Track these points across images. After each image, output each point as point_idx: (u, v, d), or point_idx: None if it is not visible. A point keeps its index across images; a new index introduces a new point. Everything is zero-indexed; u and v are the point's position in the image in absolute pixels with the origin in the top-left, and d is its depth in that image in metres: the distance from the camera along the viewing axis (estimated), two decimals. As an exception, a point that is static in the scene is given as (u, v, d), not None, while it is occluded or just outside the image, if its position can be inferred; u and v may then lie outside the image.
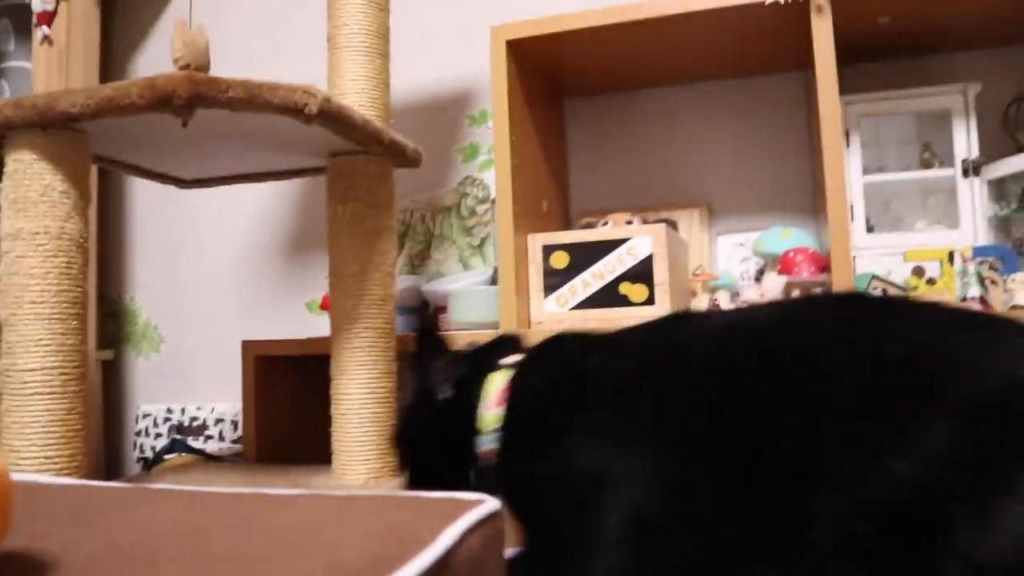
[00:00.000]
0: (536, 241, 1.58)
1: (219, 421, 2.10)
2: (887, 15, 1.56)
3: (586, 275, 1.55)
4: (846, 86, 1.49)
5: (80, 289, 1.19)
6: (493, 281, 1.77)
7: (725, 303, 1.61)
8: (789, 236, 1.61)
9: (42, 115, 1.13)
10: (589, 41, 1.61)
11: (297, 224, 2.19)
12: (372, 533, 0.54)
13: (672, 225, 1.72)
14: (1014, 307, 1.43)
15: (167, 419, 2.15)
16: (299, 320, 2.13)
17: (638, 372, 0.81)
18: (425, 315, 1.83)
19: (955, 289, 1.52)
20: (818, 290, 1.51)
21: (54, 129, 1.17)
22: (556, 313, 1.56)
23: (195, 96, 1.07)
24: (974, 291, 1.50)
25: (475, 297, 1.61)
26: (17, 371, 1.14)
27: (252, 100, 1.10)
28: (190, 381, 2.21)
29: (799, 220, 1.81)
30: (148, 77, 1.08)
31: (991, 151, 1.64)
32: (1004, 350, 0.64)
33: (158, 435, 2.14)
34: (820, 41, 1.44)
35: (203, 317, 2.25)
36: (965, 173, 1.61)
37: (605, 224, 1.73)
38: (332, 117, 1.20)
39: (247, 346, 1.71)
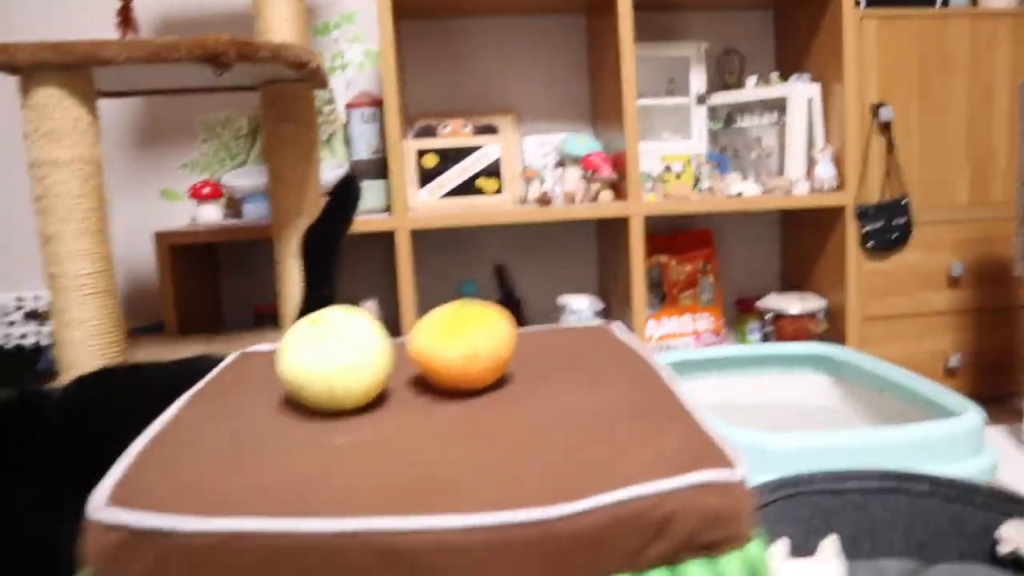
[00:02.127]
0: (411, 145, 2.00)
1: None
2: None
3: (451, 172, 2.02)
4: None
5: (104, 204, 1.43)
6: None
7: (540, 187, 2.18)
8: (583, 143, 2.19)
9: (81, 60, 1.33)
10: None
11: (141, 119, 2.32)
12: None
13: (494, 129, 2.22)
14: (731, 196, 2.16)
15: (18, 307, 2.25)
16: (155, 206, 2.31)
17: None
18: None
19: (692, 181, 2.22)
20: (604, 186, 2.12)
21: (74, 69, 1.37)
22: (428, 200, 2.02)
23: (240, 55, 1.36)
24: (706, 183, 2.22)
25: (366, 189, 2.00)
26: (70, 277, 1.38)
27: (276, 57, 1.41)
28: (37, 268, 2.31)
29: (580, 127, 2.41)
30: (197, 37, 1.34)
31: (712, 87, 2.37)
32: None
33: (11, 323, 2.24)
34: (623, 6, 2.00)
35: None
36: (697, 101, 2.29)
37: (445, 128, 2.19)
38: (314, 71, 1.53)
39: (161, 236, 1.95)
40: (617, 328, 1.13)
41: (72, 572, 1.13)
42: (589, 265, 2.47)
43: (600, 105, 2.32)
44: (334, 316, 0.81)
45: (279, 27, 1.73)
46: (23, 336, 2.22)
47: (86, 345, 1.40)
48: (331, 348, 0.78)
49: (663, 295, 2.36)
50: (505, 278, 2.35)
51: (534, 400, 0.83)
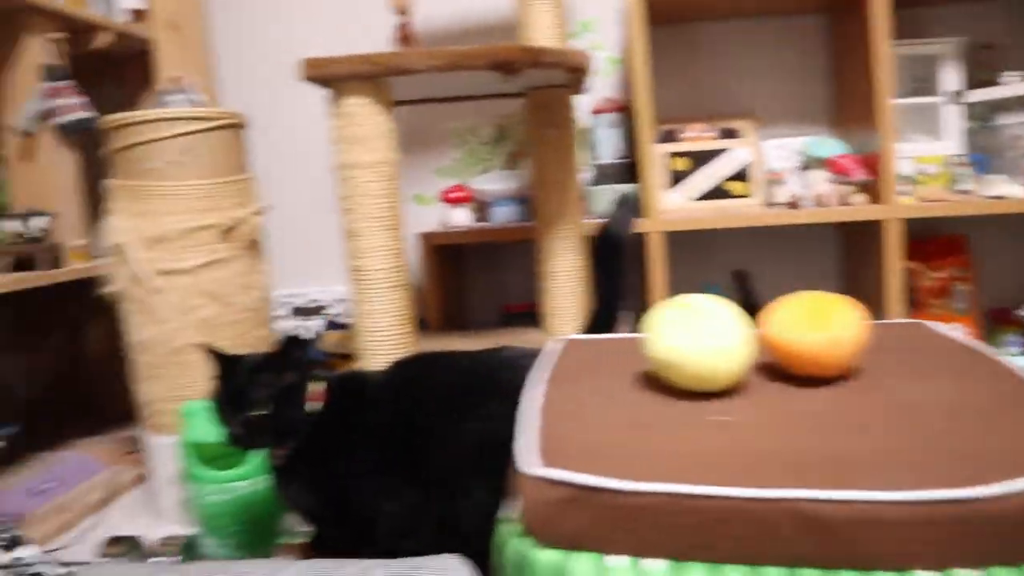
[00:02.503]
0: (662, 148, 2.04)
1: (340, 301, 2.45)
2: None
3: (700, 175, 2.04)
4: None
5: (399, 204, 1.55)
6: (596, 179, 2.21)
7: (786, 191, 2.14)
8: (829, 145, 2.14)
9: (389, 70, 1.45)
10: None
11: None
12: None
13: (736, 133, 2.21)
14: (992, 198, 2.04)
15: (285, 303, 2.47)
16: (406, 211, 2.45)
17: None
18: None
19: (948, 183, 2.12)
20: (860, 191, 2.06)
21: (377, 79, 1.48)
22: (678, 203, 2.05)
23: (529, 62, 1.43)
24: (964, 185, 2.11)
25: (610, 193, 2.05)
26: (371, 271, 1.50)
27: (558, 63, 1.48)
28: (302, 267, 2.51)
29: (820, 129, 2.36)
30: (490, 46, 1.43)
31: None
32: (508, 370, 1.20)
33: (280, 317, 2.46)
34: (878, 5, 1.94)
35: (309, 207, 2.52)
36: (952, 99, 2.18)
37: (688, 132, 2.20)
38: (584, 76, 1.59)
39: (426, 237, 2.09)
40: (931, 324, 1.10)
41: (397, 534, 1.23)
42: (829, 271, 2.40)
43: (845, 106, 2.25)
44: (699, 301, 0.85)
45: (542, 36, 1.80)
46: (293, 330, 2.43)
47: (383, 334, 1.52)
48: (702, 331, 0.82)
49: (911, 302, 2.26)
50: (745, 283, 2.32)
51: (890, 389, 0.83)
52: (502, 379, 1.22)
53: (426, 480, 1.22)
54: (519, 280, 2.44)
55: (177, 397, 1.65)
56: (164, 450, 1.70)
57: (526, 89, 1.81)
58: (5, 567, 1.17)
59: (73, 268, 1.92)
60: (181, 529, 1.67)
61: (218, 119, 1.66)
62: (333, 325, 2.25)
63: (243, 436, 1.18)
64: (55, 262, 1.87)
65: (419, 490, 1.22)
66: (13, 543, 1.32)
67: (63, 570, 1.10)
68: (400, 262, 1.52)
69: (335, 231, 2.50)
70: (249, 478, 1.47)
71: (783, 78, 2.37)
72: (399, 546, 1.23)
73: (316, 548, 1.37)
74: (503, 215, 2.24)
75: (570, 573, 0.64)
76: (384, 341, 1.51)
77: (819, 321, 0.84)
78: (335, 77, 1.46)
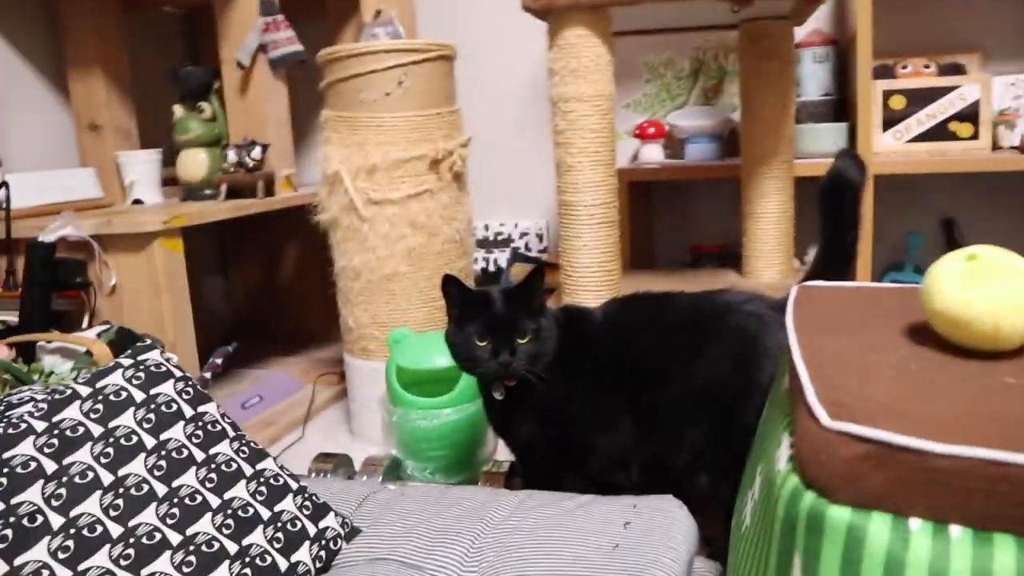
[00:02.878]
0: (878, 86, 1.90)
1: (524, 234, 2.47)
2: None
3: (920, 115, 1.89)
4: None
5: (614, 141, 1.52)
6: (799, 118, 2.09)
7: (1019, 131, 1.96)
8: (1073, 79, 1.94)
9: (612, 0, 1.40)
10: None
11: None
12: None
13: (961, 69, 2.03)
14: None
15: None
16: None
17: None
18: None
19: None
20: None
21: (600, 9, 1.44)
22: (892, 145, 1.92)
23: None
24: None
25: (820, 132, 1.95)
26: (583, 206, 1.49)
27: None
28: (486, 199, 2.55)
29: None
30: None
31: None
32: (746, 309, 1.19)
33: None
34: None
35: (493, 140, 2.53)
36: None
37: (905, 68, 2.04)
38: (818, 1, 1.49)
39: (623, 173, 2.06)
40: None
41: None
42: (1055, 223, 2.20)
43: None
44: (990, 252, 0.78)
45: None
46: (475, 261, 2.47)
47: (592, 270, 1.51)
48: (996, 285, 0.75)
49: None
50: (954, 233, 2.17)
51: None
52: (726, 324, 1.19)
53: (643, 419, 1.22)
54: (709, 220, 2.37)
55: (383, 323, 1.71)
56: (367, 374, 1.77)
57: (743, 21, 1.72)
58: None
59: (283, 196, 2.01)
60: (380, 450, 1.75)
61: (430, 51, 1.67)
62: (520, 258, 2.27)
63: (509, 365, 1.19)
64: (269, 190, 1.96)
65: (635, 428, 1.22)
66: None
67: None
68: (611, 199, 1.50)
69: (521, 164, 2.51)
70: (454, 405, 1.51)
71: (1016, 6, 2.15)
72: (608, 480, 1.24)
73: (521, 478, 1.41)
74: (697, 152, 2.17)
75: (866, 532, 0.61)
76: (592, 277, 1.51)
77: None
78: (556, 7, 1.43)
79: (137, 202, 2.01)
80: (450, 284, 1.26)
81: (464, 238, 1.77)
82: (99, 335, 1.51)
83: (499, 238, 2.50)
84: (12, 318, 1.61)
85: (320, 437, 1.87)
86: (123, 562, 0.89)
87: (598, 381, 1.23)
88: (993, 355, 0.77)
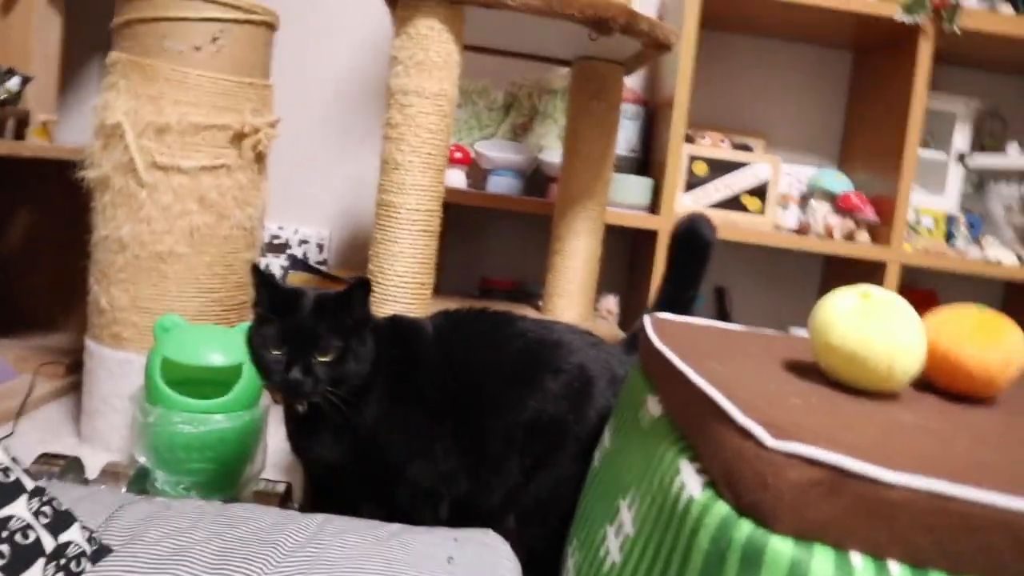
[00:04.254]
0: (685, 150, 1.97)
1: (303, 242, 2.26)
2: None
3: (718, 183, 1.98)
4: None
5: (448, 148, 1.42)
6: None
7: (794, 215, 2.13)
8: (839, 179, 2.13)
9: (476, -1, 1.32)
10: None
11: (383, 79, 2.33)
12: None
13: (750, 148, 2.18)
14: (990, 262, 2.08)
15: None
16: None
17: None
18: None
19: (944, 238, 2.15)
20: (863, 230, 2.06)
21: (456, 7, 1.35)
22: (692, 206, 1.98)
23: (625, 24, 1.33)
24: (959, 243, 2.15)
25: (628, 183, 1.97)
26: (406, 209, 1.37)
27: (648, 32, 1.39)
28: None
29: (826, 161, 2.35)
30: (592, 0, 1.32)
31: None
32: (576, 343, 1.15)
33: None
34: (922, 60, 1.94)
35: (293, 147, 2.32)
36: (958, 159, 2.22)
37: (704, 139, 2.15)
38: (666, 48, 1.50)
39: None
40: None
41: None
42: (811, 300, 2.39)
43: (856, 144, 2.26)
44: (881, 292, 0.77)
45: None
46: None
47: (405, 280, 1.39)
48: (893, 325, 0.74)
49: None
50: (724, 300, 2.29)
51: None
52: (560, 356, 1.12)
53: (466, 449, 1.10)
54: (503, 255, 2.33)
55: (145, 308, 1.46)
56: (114, 365, 1.50)
57: (578, 58, 1.71)
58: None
59: (36, 144, 1.68)
60: (117, 457, 1.48)
61: (254, 13, 1.48)
62: (301, 265, 2.07)
63: (303, 383, 1.02)
64: (19, 132, 1.63)
65: (454, 458, 1.11)
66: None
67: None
68: (436, 207, 1.39)
69: (312, 165, 2.33)
70: (227, 411, 1.30)
71: (799, 105, 2.36)
72: (413, 514, 1.11)
73: (311, 502, 1.23)
74: (501, 185, 2.12)
75: (809, 568, 0.54)
76: (404, 288, 1.38)
77: (995, 339, 0.79)
78: (412, -9, 1.32)
79: None
80: (258, 274, 1.06)
81: (255, 228, 1.57)
82: None
83: (275, 242, 2.28)
84: None
85: (38, 436, 1.55)
86: None
87: (421, 403, 1.09)
88: (879, 395, 0.75)
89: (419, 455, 1.10)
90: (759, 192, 2.00)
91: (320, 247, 2.29)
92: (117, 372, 1.50)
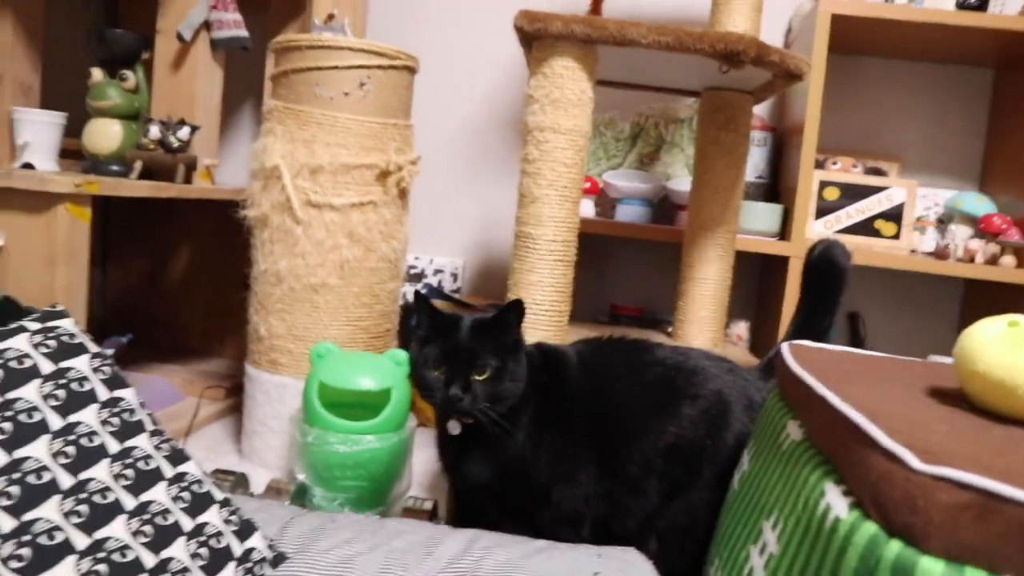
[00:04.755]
0: (816, 176, 1.97)
1: (438, 271, 2.38)
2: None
3: (851, 209, 1.97)
4: None
5: (581, 181, 1.47)
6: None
7: (934, 239, 2.07)
8: (981, 202, 2.07)
9: (608, 37, 1.37)
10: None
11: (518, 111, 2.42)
12: None
13: (883, 172, 2.15)
14: None
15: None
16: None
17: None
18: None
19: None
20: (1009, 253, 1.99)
21: (590, 45, 1.41)
22: (823, 232, 1.97)
23: (756, 56, 1.36)
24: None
25: (757, 210, 1.98)
26: (543, 240, 1.43)
27: (780, 64, 1.41)
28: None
29: (965, 184, 2.28)
30: (721, 32, 1.36)
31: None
32: (712, 370, 1.18)
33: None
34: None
35: (429, 181, 2.44)
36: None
37: (835, 164, 2.13)
38: (798, 78, 1.51)
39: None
40: None
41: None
42: (950, 326, 2.32)
43: (999, 165, 2.18)
44: (1027, 320, 0.77)
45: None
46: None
47: (544, 308, 1.45)
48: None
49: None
50: (859, 327, 2.25)
51: None
52: (706, 384, 1.15)
53: (608, 474, 1.15)
54: (632, 283, 2.37)
55: (300, 336, 1.58)
56: (271, 389, 1.62)
57: (706, 88, 1.74)
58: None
59: (201, 187, 1.84)
60: (275, 474, 1.59)
61: (397, 59, 1.59)
62: (436, 294, 2.17)
63: (461, 400, 1.09)
64: (187, 177, 1.79)
65: (597, 483, 1.15)
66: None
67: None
68: (572, 238, 1.45)
69: (446, 198, 2.44)
70: (377, 433, 1.39)
71: (936, 127, 2.30)
72: (558, 532, 1.16)
73: (458, 520, 1.30)
74: (629, 214, 2.17)
75: (959, 590, 0.56)
76: (542, 316, 1.44)
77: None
78: (548, 34, 1.39)
79: (27, 167, 1.79)
80: (419, 301, 1.17)
81: (398, 259, 1.67)
82: (-23, 301, 1.30)
83: (412, 271, 2.40)
84: None
85: (203, 454, 1.69)
86: (13, 564, 0.73)
87: (566, 428, 1.15)
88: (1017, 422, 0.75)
89: (563, 479, 1.14)
90: (894, 216, 1.96)
91: (454, 276, 2.39)
92: (274, 395, 1.61)
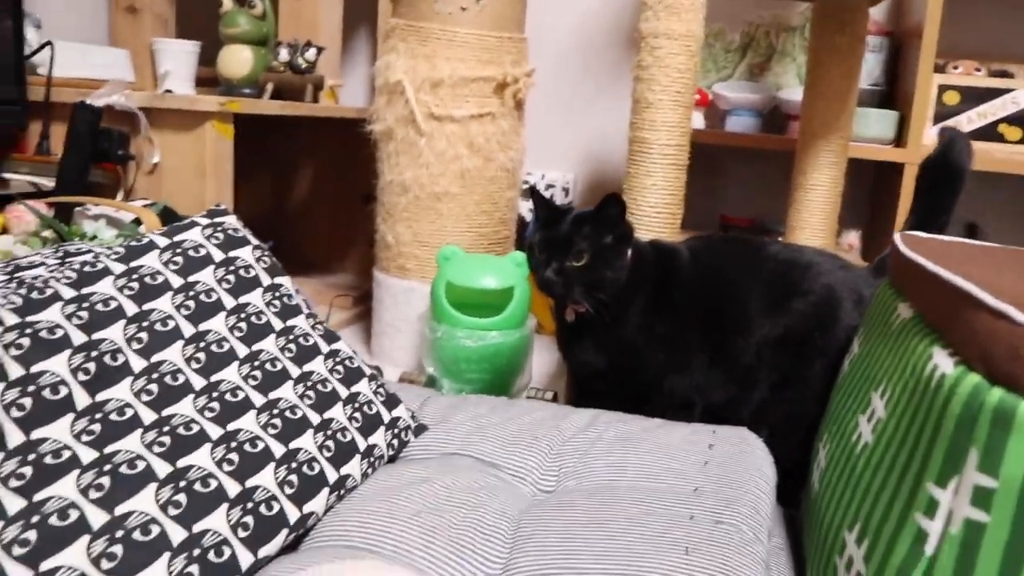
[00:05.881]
0: (934, 80, 1.93)
1: (550, 186, 2.45)
2: None
3: (971, 113, 1.92)
4: None
5: (694, 87, 1.50)
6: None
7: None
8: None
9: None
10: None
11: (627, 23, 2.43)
12: None
13: (1010, 75, 2.07)
14: None
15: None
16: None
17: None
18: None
19: None
20: None
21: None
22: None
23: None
24: None
25: (872, 117, 1.96)
26: (657, 145, 1.48)
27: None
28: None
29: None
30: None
31: None
32: (825, 266, 1.21)
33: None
34: None
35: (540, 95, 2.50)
36: None
37: (956, 68, 2.07)
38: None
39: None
40: None
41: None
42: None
43: None
44: None
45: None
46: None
47: (657, 210, 1.50)
48: None
49: None
50: (976, 238, 2.20)
51: None
52: (810, 277, 1.19)
53: (718, 364, 1.21)
54: (741, 194, 2.38)
55: (425, 242, 1.68)
56: (399, 293, 1.74)
57: (822, -8, 1.73)
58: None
59: (327, 106, 1.95)
60: (402, 369, 1.72)
61: (513, -29, 1.64)
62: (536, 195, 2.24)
63: (556, 282, 1.19)
64: (315, 96, 1.90)
65: (708, 372, 1.22)
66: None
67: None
68: (685, 142, 1.49)
69: (555, 113, 2.48)
70: (501, 329, 1.49)
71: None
72: (670, 418, 1.24)
73: (577, 405, 1.39)
74: (738, 125, 2.17)
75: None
76: (656, 218, 1.49)
77: None
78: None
79: (168, 92, 1.94)
80: (535, 194, 1.27)
81: (515, 169, 1.75)
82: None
83: (523, 187, 2.47)
84: (45, 182, 1.54)
85: (338, 353, 1.83)
86: (207, 414, 0.85)
87: (678, 319, 1.22)
88: None
89: (675, 368, 1.22)
90: (1020, 120, 1.91)
91: (565, 191, 2.45)
92: (402, 299, 1.73)
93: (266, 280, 1.04)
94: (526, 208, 2.44)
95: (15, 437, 0.71)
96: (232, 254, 1.03)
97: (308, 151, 2.45)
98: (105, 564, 0.68)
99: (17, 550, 0.65)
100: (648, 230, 1.48)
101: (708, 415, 1.24)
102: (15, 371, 0.74)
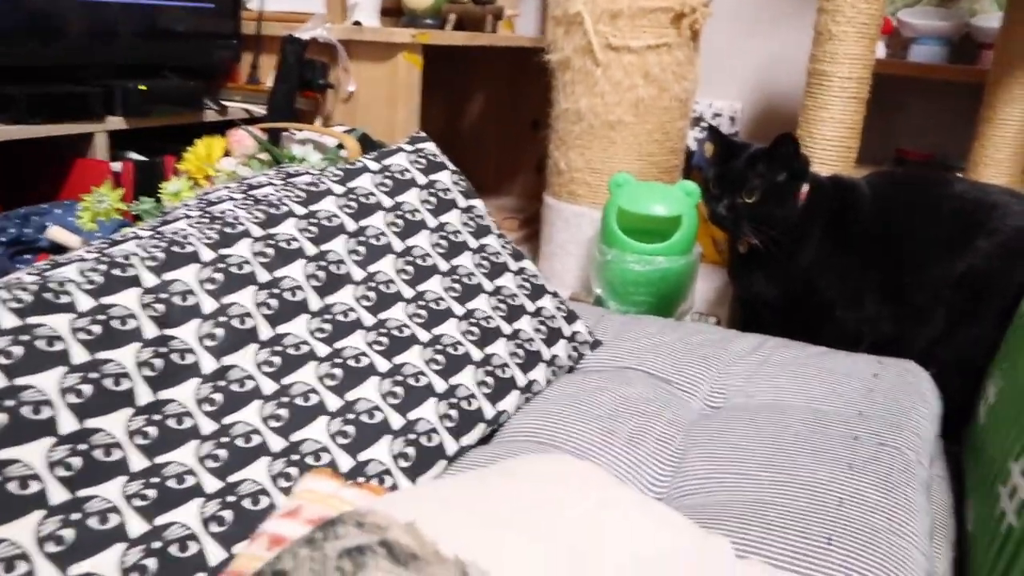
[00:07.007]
0: None
1: (717, 115, 2.45)
2: None
3: None
4: None
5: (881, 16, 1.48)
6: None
7: None
8: None
9: None
10: None
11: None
12: None
13: None
14: None
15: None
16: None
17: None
18: None
19: None
20: None
21: None
22: None
23: None
24: None
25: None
26: (837, 77, 1.47)
27: None
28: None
29: None
30: None
31: None
32: (1014, 207, 1.18)
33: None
34: None
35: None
36: None
37: None
38: None
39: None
40: None
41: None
42: None
43: None
44: None
45: None
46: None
47: (833, 144, 1.51)
48: None
49: None
50: None
51: None
52: (997, 216, 1.18)
53: (892, 299, 1.23)
54: (921, 127, 2.29)
55: (596, 169, 1.75)
56: (569, 217, 1.82)
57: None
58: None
59: (505, 35, 2.03)
60: (569, 290, 1.81)
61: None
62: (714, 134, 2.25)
63: (727, 217, 1.24)
64: (494, 26, 1.98)
65: (880, 306, 1.24)
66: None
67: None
68: (866, 75, 1.48)
69: (723, 41, 2.45)
70: (668, 255, 1.55)
71: None
72: (838, 348, 1.27)
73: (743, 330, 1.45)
74: (924, 54, 2.09)
75: None
76: (831, 152, 1.50)
77: None
78: None
79: (356, 24, 2.06)
80: (711, 130, 1.33)
81: (688, 99, 1.78)
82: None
83: (691, 116, 2.48)
84: (257, 109, 1.70)
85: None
86: (416, 320, 0.97)
87: (854, 252, 1.24)
88: None
89: (848, 299, 1.25)
90: None
91: (732, 119, 2.44)
92: (572, 223, 1.82)
93: (462, 202, 1.15)
94: (691, 138, 2.46)
95: (264, 332, 0.84)
96: (432, 177, 1.14)
97: (481, 78, 2.55)
98: (340, 440, 0.81)
99: (281, 471, 0.79)
100: (822, 164, 1.49)
101: (875, 349, 1.27)
102: (263, 276, 0.88)
